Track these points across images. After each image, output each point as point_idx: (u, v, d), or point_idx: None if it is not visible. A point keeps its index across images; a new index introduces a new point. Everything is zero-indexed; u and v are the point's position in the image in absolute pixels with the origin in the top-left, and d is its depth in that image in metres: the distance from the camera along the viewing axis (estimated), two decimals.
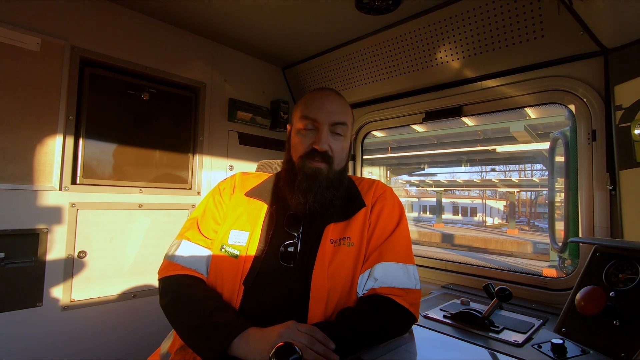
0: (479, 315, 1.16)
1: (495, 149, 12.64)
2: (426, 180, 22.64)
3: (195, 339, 0.83)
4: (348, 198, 1.04)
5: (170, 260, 1.00)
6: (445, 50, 1.69)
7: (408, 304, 0.93)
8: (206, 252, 1.01)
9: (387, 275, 0.93)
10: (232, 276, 0.94)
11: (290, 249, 0.97)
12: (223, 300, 0.92)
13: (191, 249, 1.00)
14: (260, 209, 1.04)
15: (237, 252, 0.97)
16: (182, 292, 0.92)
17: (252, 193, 1.08)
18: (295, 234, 0.99)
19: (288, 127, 1.10)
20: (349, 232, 0.98)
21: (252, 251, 0.96)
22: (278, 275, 0.94)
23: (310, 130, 0.99)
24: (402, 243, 1.01)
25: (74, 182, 1.57)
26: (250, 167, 2.18)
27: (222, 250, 0.99)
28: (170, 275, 0.97)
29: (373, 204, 1.04)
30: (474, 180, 20.87)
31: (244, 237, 0.99)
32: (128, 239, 1.73)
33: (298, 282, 0.92)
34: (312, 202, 0.95)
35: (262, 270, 0.94)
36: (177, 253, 1.00)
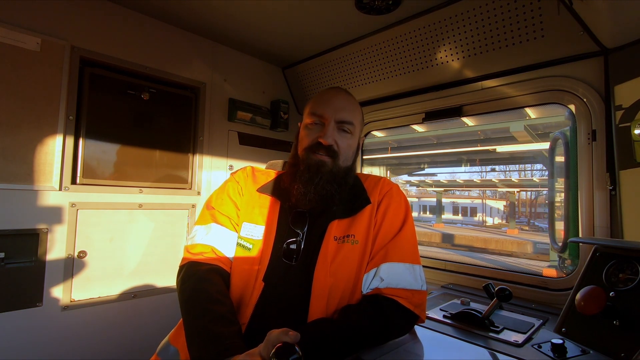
0: (479, 315, 1.16)
1: (495, 149, 12.64)
2: (426, 180, 22.65)
3: (194, 341, 0.83)
4: (353, 195, 1.04)
5: (204, 243, 0.99)
6: (445, 50, 1.69)
7: (413, 305, 0.92)
8: (234, 236, 1.02)
9: (393, 275, 0.93)
10: (247, 269, 0.96)
11: (293, 246, 0.97)
12: (233, 307, 0.90)
13: (222, 233, 1.01)
14: (270, 205, 1.04)
15: (250, 246, 0.98)
16: (199, 287, 0.91)
17: (263, 189, 1.08)
18: (299, 232, 0.99)
19: (299, 125, 1.11)
20: (354, 230, 0.98)
21: (269, 247, 0.97)
22: (281, 272, 0.95)
23: (317, 125, 1.01)
24: (408, 242, 1.00)
25: (74, 182, 1.57)
26: None
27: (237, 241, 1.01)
28: (197, 262, 0.97)
29: (379, 202, 1.03)
30: (474, 180, 20.88)
31: (256, 231, 1.00)
32: (128, 239, 1.73)
33: (300, 279, 0.93)
34: (312, 193, 0.96)
35: (270, 267, 0.95)
36: (210, 236, 1.00)
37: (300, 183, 0.97)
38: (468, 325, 1.16)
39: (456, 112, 1.82)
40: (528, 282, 1.54)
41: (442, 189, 23.06)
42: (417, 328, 1.09)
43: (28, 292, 1.44)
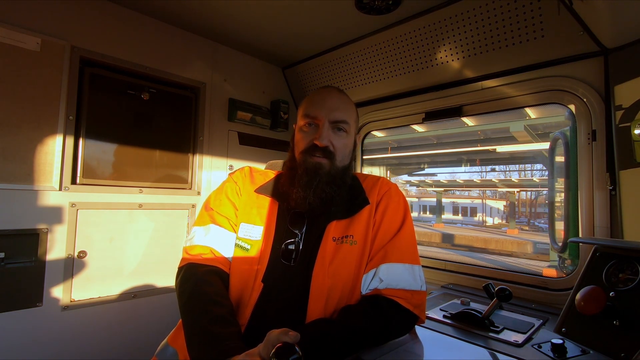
0: (479, 315, 1.16)
1: (495, 149, 12.64)
2: (426, 180, 22.66)
3: (193, 342, 0.83)
4: (351, 195, 1.04)
5: (203, 244, 0.99)
6: (445, 50, 1.69)
7: (413, 306, 0.92)
8: (233, 236, 1.02)
9: (392, 276, 0.93)
10: (246, 270, 0.96)
11: (291, 247, 0.97)
12: (232, 309, 0.90)
13: (221, 234, 1.01)
14: (268, 206, 1.04)
15: (247, 247, 0.98)
16: (198, 289, 0.90)
17: (261, 190, 1.08)
18: (298, 232, 0.99)
19: (294, 126, 1.11)
20: (352, 230, 0.98)
21: (268, 247, 0.97)
22: (280, 273, 0.95)
23: (311, 127, 1.01)
24: (407, 243, 1.00)
25: (74, 182, 1.57)
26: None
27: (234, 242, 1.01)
28: (196, 264, 0.96)
29: (378, 202, 1.03)
30: (474, 180, 20.88)
31: (254, 231, 1.00)
32: (128, 239, 1.73)
33: (298, 280, 0.93)
34: (312, 196, 0.96)
35: (269, 267, 0.95)
36: (209, 238, 1.00)
37: (299, 187, 0.97)
38: (468, 325, 1.16)
39: (456, 112, 1.82)
40: (528, 282, 1.54)
41: (442, 189, 23.06)
42: (417, 328, 1.09)
43: (28, 292, 1.44)
